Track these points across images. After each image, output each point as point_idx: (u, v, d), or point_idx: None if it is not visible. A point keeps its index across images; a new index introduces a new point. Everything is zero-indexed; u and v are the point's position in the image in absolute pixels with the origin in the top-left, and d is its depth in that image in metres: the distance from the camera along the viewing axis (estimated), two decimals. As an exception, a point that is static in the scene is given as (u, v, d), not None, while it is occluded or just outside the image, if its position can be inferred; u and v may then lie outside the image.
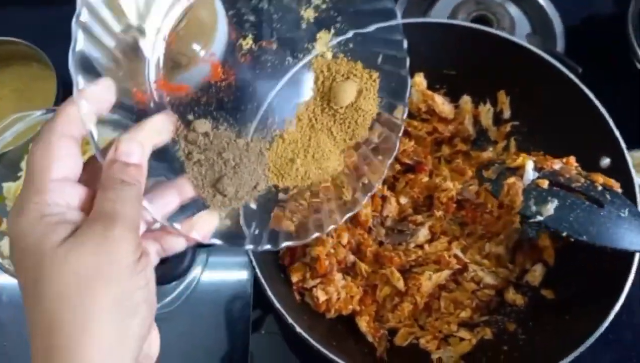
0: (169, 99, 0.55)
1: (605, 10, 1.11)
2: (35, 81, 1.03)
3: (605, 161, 0.79)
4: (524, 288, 0.83)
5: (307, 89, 0.62)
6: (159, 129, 0.51)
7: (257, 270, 0.71)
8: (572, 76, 0.81)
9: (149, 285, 0.44)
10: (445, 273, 0.81)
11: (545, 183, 0.72)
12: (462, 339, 0.80)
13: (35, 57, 1.01)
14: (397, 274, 0.80)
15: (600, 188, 0.71)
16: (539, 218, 0.70)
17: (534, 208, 0.71)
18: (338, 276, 0.79)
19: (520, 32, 1.04)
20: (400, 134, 0.66)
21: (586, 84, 0.81)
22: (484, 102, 0.92)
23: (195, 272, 0.95)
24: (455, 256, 0.81)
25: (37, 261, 0.41)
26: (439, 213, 0.85)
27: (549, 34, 1.06)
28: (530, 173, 0.73)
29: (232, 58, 0.61)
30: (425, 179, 0.87)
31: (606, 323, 0.70)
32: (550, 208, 0.70)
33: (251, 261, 0.71)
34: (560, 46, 1.04)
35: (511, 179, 0.73)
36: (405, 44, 0.63)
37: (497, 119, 0.92)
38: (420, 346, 0.80)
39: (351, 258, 0.82)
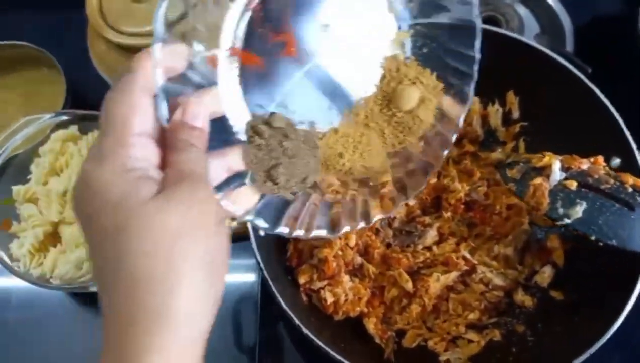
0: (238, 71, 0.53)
1: (614, 10, 1.10)
2: (44, 85, 1.04)
3: (616, 161, 0.79)
4: (533, 290, 0.83)
5: (371, 85, 0.61)
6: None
7: (264, 272, 0.71)
8: (581, 75, 0.81)
9: (228, 248, 0.46)
10: (454, 274, 0.80)
11: (573, 184, 0.69)
12: (470, 341, 0.79)
13: (44, 61, 1.02)
14: (405, 276, 0.79)
15: (630, 189, 0.68)
16: (567, 221, 0.68)
17: (561, 211, 0.69)
18: (346, 278, 0.79)
19: (529, 32, 1.04)
20: (446, 152, 0.63)
21: (596, 84, 0.80)
22: (493, 102, 0.91)
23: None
24: (464, 257, 0.81)
25: (123, 216, 0.40)
26: (447, 215, 0.85)
27: (558, 34, 1.05)
28: (557, 174, 0.70)
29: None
30: (434, 180, 0.87)
31: (616, 326, 0.69)
32: (579, 210, 0.68)
33: (258, 263, 0.71)
34: (569, 46, 1.04)
35: (537, 180, 0.71)
36: (476, 64, 0.60)
37: (506, 120, 0.92)
38: (429, 348, 0.80)
39: (359, 259, 0.82)
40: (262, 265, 0.71)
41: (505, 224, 0.84)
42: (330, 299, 0.77)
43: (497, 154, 0.90)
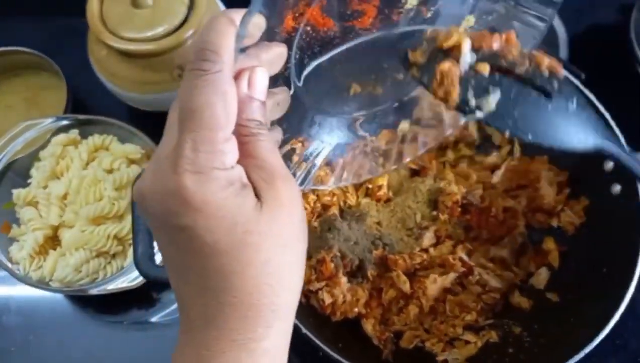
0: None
1: (608, 19, 1.11)
2: (45, 90, 1.05)
3: (609, 165, 0.80)
4: (529, 292, 0.84)
5: None
6: (278, 59, 0.47)
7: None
8: (574, 79, 0.82)
9: None
10: (451, 276, 0.81)
11: (486, 68, 0.54)
12: (467, 342, 0.80)
13: (45, 67, 1.03)
14: (403, 276, 0.80)
15: (547, 73, 0.55)
16: (479, 114, 0.54)
17: (473, 102, 0.54)
18: (344, 279, 0.80)
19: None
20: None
21: (589, 90, 0.82)
22: (489, 107, 0.92)
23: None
24: (461, 259, 0.82)
25: (240, 234, 0.40)
26: (443, 217, 0.86)
27: (553, 42, 1.06)
28: (467, 56, 0.54)
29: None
30: (430, 182, 0.88)
31: (610, 326, 0.70)
32: (492, 101, 0.53)
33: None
34: (563, 53, 1.05)
35: (446, 64, 0.54)
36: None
37: (502, 124, 0.92)
38: (426, 349, 0.80)
39: (357, 261, 0.82)
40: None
41: (501, 227, 0.85)
42: (328, 300, 0.77)
43: (492, 158, 0.92)
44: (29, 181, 0.91)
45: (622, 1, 1.10)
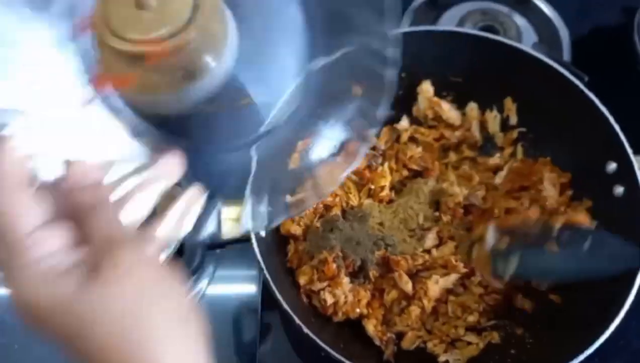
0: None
1: (611, 21, 1.11)
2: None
3: (612, 166, 0.80)
4: (531, 293, 0.83)
5: None
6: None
7: (265, 271, 0.71)
8: (578, 82, 0.82)
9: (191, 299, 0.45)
10: (453, 277, 0.81)
11: (504, 244, 0.74)
12: (469, 343, 0.80)
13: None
14: (406, 277, 0.80)
15: (555, 233, 0.72)
16: (508, 276, 0.73)
17: (500, 269, 0.73)
18: (346, 279, 0.80)
19: (526, 42, 1.05)
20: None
21: (592, 92, 0.82)
22: (491, 109, 0.93)
23: (201, 285, 0.95)
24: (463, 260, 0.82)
25: (72, 312, 0.38)
26: (446, 218, 0.86)
27: (556, 44, 1.07)
28: (491, 238, 0.75)
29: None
30: (432, 183, 0.88)
31: (612, 327, 0.69)
32: (514, 264, 0.72)
33: (259, 263, 0.72)
34: (566, 55, 1.06)
35: (480, 251, 0.77)
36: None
37: (504, 126, 0.93)
38: (428, 350, 0.80)
39: (359, 261, 0.82)
40: (263, 265, 0.72)
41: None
42: (330, 300, 0.77)
43: (495, 160, 0.92)
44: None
45: (625, 3, 1.11)
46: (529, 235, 0.73)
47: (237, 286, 0.96)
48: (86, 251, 0.40)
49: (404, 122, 0.94)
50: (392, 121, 0.95)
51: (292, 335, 0.87)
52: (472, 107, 0.93)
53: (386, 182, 0.89)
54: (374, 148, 0.92)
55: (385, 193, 0.88)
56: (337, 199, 0.87)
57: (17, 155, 0.40)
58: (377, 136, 0.94)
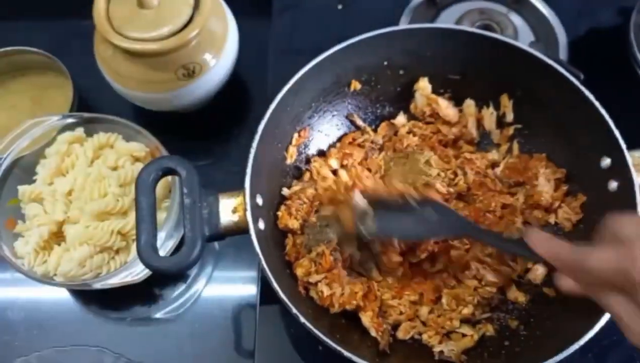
0: None
1: (607, 20, 1.12)
2: (51, 89, 1.07)
3: (606, 162, 0.81)
4: (526, 286, 0.84)
5: None
6: None
7: (264, 263, 0.72)
8: (573, 79, 0.83)
9: None
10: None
11: (368, 208, 0.80)
12: (464, 335, 0.81)
13: (51, 66, 1.05)
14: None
15: (413, 202, 0.80)
16: (370, 234, 0.79)
17: (362, 229, 0.78)
18: (343, 272, 0.81)
19: (523, 41, 1.06)
20: None
21: (588, 90, 0.82)
22: (487, 105, 0.94)
23: (199, 285, 0.97)
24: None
25: None
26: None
27: (552, 44, 1.08)
28: (359, 204, 0.80)
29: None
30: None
31: (604, 320, 0.70)
32: (372, 225, 0.78)
33: (257, 255, 0.73)
34: (563, 55, 1.06)
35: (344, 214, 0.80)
36: None
37: (500, 123, 0.94)
38: (423, 341, 0.81)
39: (357, 255, 0.84)
40: (261, 257, 0.72)
41: (499, 222, 0.86)
42: (327, 292, 0.78)
43: (492, 155, 0.93)
44: (34, 177, 0.93)
45: (622, 3, 1.12)
46: (391, 204, 0.80)
47: (235, 286, 0.97)
48: None
49: (402, 118, 0.96)
50: (390, 117, 0.96)
51: (290, 332, 0.88)
52: (469, 104, 0.94)
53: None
54: (372, 142, 0.93)
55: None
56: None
57: None
58: (375, 130, 0.95)
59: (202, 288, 0.97)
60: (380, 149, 0.94)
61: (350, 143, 0.93)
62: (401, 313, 0.82)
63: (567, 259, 0.63)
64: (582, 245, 0.62)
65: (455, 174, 0.90)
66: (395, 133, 0.95)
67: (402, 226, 0.80)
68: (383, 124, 0.96)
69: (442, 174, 0.89)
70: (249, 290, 0.95)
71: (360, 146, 0.93)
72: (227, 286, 0.97)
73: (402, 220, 0.80)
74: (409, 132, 0.93)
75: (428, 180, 0.86)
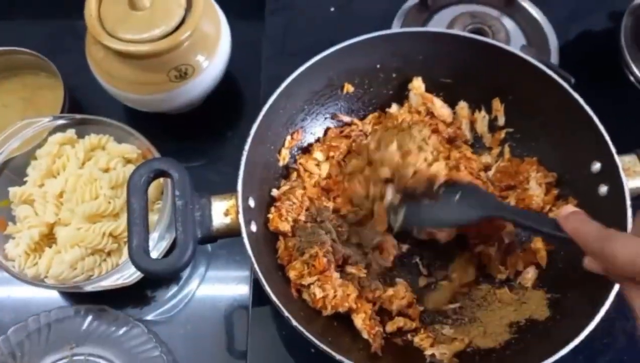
0: None
1: (599, 24, 1.13)
2: (42, 90, 1.06)
3: (597, 166, 0.81)
4: (517, 289, 0.85)
5: None
6: None
7: (256, 265, 0.72)
8: (564, 83, 0.83)
9: None
10: None
11: (397, 200, 0.83)
12: (454, 338, 0.81)
13: (42, 67, 1.04)
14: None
15: (436, 188, 0.82)
16: (398, 224, 0.84)
17: (393, 219, 0.83)
18: (335, 274, 0.81)
19: (515, 45, 1.06)
20: None
21: (578, 93, 0.82)
22: (479, 109, 0.94)
23: (192, 286, 0.97)
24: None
25: None
26: None
27: (544, 47, 1.08)
28: (389, 196, 0.83)
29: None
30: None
31: (595, 322, 0.70)
32: (401, 215, 0.83)
33: (249, 258, 0.73)
34: (554, 58, 1.07)
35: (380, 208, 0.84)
36: None
37: (492, 126, 0.94)
38: (414, 344, 0.81)
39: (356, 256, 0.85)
40: (253, 260, 0.72)
41: (489, 226, 0.86)
42: (319, 294, 0.78)
43: (484, 158, 0.93)
44: (25, 179, 0.92)
45: (613, 7, 1.12)
46: (416, 191, 0.82)
47: (228, 286, 0.97)
48: None
49: (395, 108, 0.96)
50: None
51: (282, 334, 0.88)
52: (462, 106, 0.94)
53: None
54: (360, 131, 0.93)
55: None
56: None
57: None
58: (362, 119, 0.96)
59: (195, 289, 0.96)
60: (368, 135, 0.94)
61: (335, 136, 0.93)
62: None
63: (592, 240, 0.61)
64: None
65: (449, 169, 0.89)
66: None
67: (432, 215, 0.82)
68: (374, 114, 0.96)
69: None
70: (242, 290, 0.95)
71: (346, 136, 0.93)
72: (220, 287, 0.97)
73: (430, 208, 0.82)
74: None
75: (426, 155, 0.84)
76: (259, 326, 0.89)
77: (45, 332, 0.89)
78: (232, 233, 0.73)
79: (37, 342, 0.89)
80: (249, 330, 0.88)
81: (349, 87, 0.92)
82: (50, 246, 0.88)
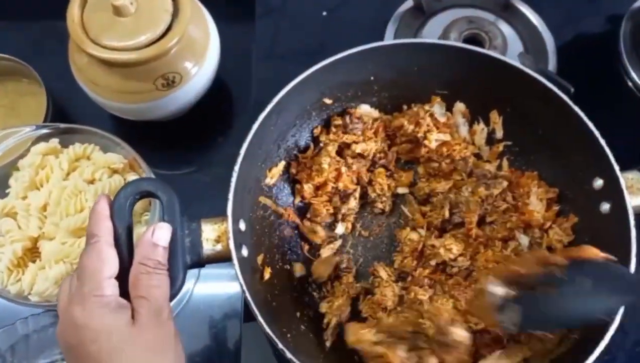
0: None
1: (597, 29, 1.12)
2: (24, 97, 1.03)
3: (599, 183, 0.79)
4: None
5: None
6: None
7: (248, 295, 0.70)
8: (564, 96, 0.81)
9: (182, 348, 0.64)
10: None
11: (510, 294, 0.66)
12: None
13: (23, 73, 1.02)
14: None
15: (557, 272, 0.64)
16: (515, 327, 0.65)
17: (507, 321, 0.65)
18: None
19: (512, 50, 1.05)
20: None
21: (578, 104, 0.80)
22: (477, 121, 0.92)
23: (188, 285, 0.95)
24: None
25: (115, 338, 0.59)
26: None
27: (542, 53, 1.06)
28: (493, 290, 0.66)
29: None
30: None
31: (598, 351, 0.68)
32: (519, 314, 0.64)
33: (241, 285, 0.71)
34: (552, 64, 1.05)
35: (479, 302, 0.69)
36: None
37: (490, 139, 0.93)
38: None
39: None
40: (243, 284, 0.70)
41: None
42: None
43: (485, 166, 0.92)
44: (7, 191, 0.89)
45: (612, 12, 1.11)
46: (529, 279, 0.65)
47: (223, 284, 0.96)
48: (124, 301, 0.62)
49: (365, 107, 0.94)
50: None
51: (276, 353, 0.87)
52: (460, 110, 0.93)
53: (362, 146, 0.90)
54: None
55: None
56: None
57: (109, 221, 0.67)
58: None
59: (192, 287, 0.95)
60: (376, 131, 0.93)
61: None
62: None
63: None
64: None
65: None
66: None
67: (556, 309, 0.64)
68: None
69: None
70: (236, 288, 0.94)
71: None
72: (215, 284, 0.96)
73: (551, 301, 0.64)
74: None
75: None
76: (251, 342, 0.89)
77: (35, 336, 0.89)
78: (222, 258, 0.71)
79: (26, 346, 0.89)
80: (241, 344, 0.88)
81: None
82: (34, 261, 0.86)
